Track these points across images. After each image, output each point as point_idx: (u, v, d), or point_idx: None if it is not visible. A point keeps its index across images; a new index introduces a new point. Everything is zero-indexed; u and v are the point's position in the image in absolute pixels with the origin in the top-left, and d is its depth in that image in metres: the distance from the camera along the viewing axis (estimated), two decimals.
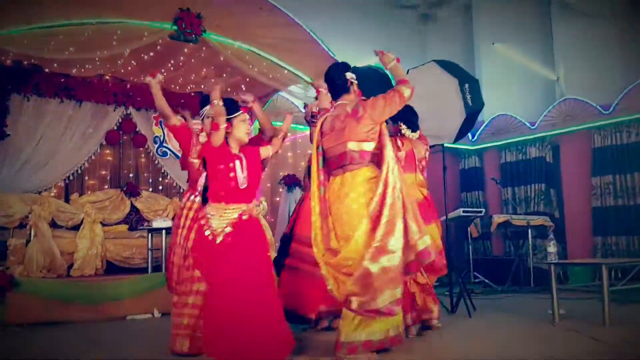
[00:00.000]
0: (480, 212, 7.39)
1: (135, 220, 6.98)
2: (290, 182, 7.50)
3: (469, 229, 7.43)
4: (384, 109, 3.23)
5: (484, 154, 9.24)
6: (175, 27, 5.49)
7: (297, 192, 7.23)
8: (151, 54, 5.94)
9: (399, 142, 4.06)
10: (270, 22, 6.07)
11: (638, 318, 4.43)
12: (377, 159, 3.27)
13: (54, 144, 6.47)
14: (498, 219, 7.05)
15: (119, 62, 6.03)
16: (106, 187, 7.06)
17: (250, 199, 3.20)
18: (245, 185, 3.13)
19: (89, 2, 5.11)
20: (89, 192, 6.85)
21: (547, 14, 9.40)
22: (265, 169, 3.60)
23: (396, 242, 3.06)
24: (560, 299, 4.33)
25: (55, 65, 6.01)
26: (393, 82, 3.58)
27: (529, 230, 7.12)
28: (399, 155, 3.98)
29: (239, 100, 3.45)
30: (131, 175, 7.29)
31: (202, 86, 7.00)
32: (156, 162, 7.42)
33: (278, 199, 7.59)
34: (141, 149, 7.34)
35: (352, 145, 3.24)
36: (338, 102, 3.43)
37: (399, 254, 3.06)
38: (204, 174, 3.48)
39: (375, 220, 3.06)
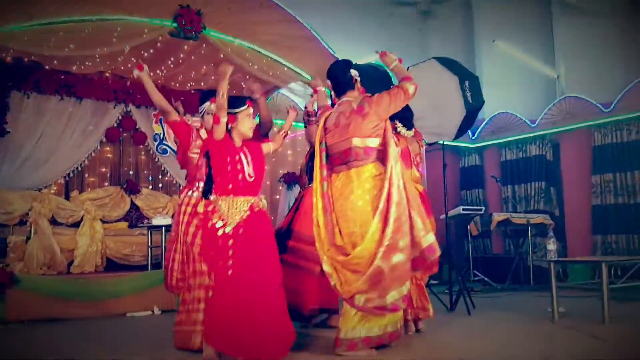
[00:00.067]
0: (480, 210, 7.39)
1: (135, 217, 6.99)
2: (290, 179, 7.50)
3: (468, 227, 7.43)
4: (389, 106, 3.25)
5: (484, 152, 9.24)
6: (175, 24, 5.48)
7: (297, 190, 7.23)
8: (151, 51, 5.94)
9: (395, 140, 4.07)
10: (270, 19, 6.06)
11: (637, 316, 4.44)
12: (381, 155, 3.28)
13: (54, 141, 6.47)
14: (498, 217, 7.04)
15: (119, 59, 6.03)
16: (106, 184, 7.06)
17: (257, 192, 3.20)
18: (252, 179, 3.12)
19: None
20: (89, 190, 6.85)
21: (547, 12, 9.38)
22: (265, 166, 3.60)
23: (404, 239, 3.10)
24: (560, 297, 4.33)
25: (56, 62, 6.01)
26: (394, 82, 3.59)
27: (529, 229, 7.12)
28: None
29: (248, 90, 3.44)
30: (131, 172, 7.29)
31: (202, 83, 7.00)
32: (156, 159, 7.42)
33: (278, 196, 7.60)
34: (141, 146, 7.35)
35: (357, 142, 3.25)
36: (342, 99, 3.43)
37: (406, 251, 3.10)
38: (203, 168, 3.47)
39: (385, 218, 3.08)
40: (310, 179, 4.16)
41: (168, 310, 5.13)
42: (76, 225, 6.03)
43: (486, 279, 7.13)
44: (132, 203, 7.04)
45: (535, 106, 8.71)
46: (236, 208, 3.06)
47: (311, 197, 3.88)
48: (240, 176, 3.08)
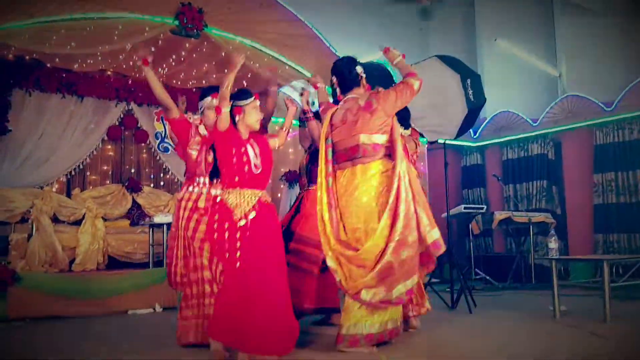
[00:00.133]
0: (482, 208, 7.39)
1: (136, 215, 6.99)
2: (292, 178, 7.50)
3: (470, 225, 7.43)
4: (395, 102, 3.27)
5: (486, 150, 9.23)
6: (176, 22, 5.49)
7: (298, 189, 7.24)
8: (152, 49, 5.92)
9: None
10: (271, 17, 6.07)
11: (639, 314, 4.44)
12: (388, 152, 3.29)
13: (55, 139, 6.47)
14: (499, 215, 7.04)
15: (121, 57, 6.03)
16: (108, 182, 7.06)
17: (264, 185, 3.19)
18: (259, 171, 3.11)
19: None
20: (91, 187, 6.85)
21: (549, 11, 9.38)
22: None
23: (413, 234, 3.14)
24: (561, 296, 4.33)
25: (57, 60, 6.01)
26: (395, 80, 3.59)
27: (531, 227, 7.11)
28: None
29: (264, 78, 3.46)
30: (133, 170, 7.30)
31: (204, 81, 7.00)
32: (157, 157, 7.42)
33: (279, 195, 7.60)
34: (143, 144, 7.34)
35: (364, 138, 3.26)
36: (348, 96, 3.44)
37: (414, 246, 3.14)
38: (203, 164, 3.47)
39: (394, 214, 3.10)
40: (310, 181, 4.18)
41: (169, 307, 5.13)
42: (78, 223, 6.03)
43: (487, 277, 7.13)
44: (134, 201, 7.04)
45: (537, 105, 8.71)
46: (244, 200, 3.05)
47: (311, 201, 3.91)
48: (246, 168, 3.06)
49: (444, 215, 5.65)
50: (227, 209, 3.02)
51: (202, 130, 3.55)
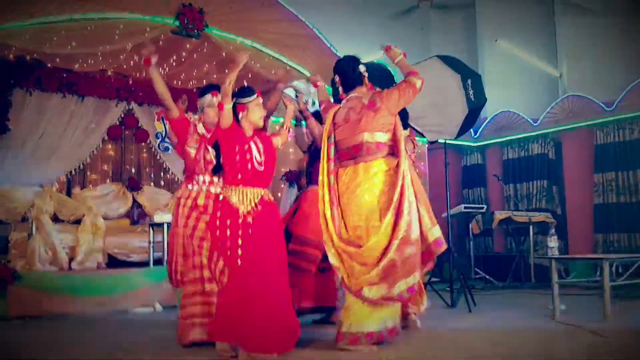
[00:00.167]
0: (482, 208, 7.39)
1: (137, 214, 7.00)
2: (292, 177, 7.49)
3: (470, 225, 7.44)
4: (398, 101, 3.29)
5: (486, 150, 9.23)
6: (177, 22, 5.49)
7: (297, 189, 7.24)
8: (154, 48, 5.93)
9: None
10: (272, 17, 6.07)
11: (638, 314, 4.44)
12: (390, 150, 3.31)
13: (56, 139, 6.48)
14: (500, 215, 7.04)
15: (121, 57, 6.03)
16: (108, 181, 7.07)
17: (267, 183, 3.20)
18: (262, 169, 3.11)
19: None
20: (91, 187, 6.87)
21: (550, 11, 9.39)
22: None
23: (415, 232, 3.17)
24: (561, 295, 4.33)
25: (58, 60, 6.01)
26: (396, 79, 3.61)
27: (531, 227, 7.11)
28: None
29: (277, 77, 3.49)
30: (133, 170, 7.31)
31: (204, 81, 7.00)
32: (158, 157, 7.43)
33: (279, 194, 7.60)
34: (143, 144, 7.36)
35: (368, 137, 3.28)
36: (350, 95, 3.45)
37: (417, 244, 3.18)
38: (201, 162, 3.47)
39: (398, 212, 3.12)
40: (309, 181, 4.19)
41: (170, 306, 5.14)
42: (78, 222, 6.03)
43: (487, 276, 7.13)
44: (134, 200, 7.05)
45: (538, 105, 8.71)
46: (246, 198, 3.06)
47: (309, 201, 3.93)
48: (249, 166, 3.06)
49: (445, 214, 5.65)
50: (229, 207, 3.02)
51: (201, 129, 3.54)
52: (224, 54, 6.04)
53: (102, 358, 3.20)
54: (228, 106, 3.03)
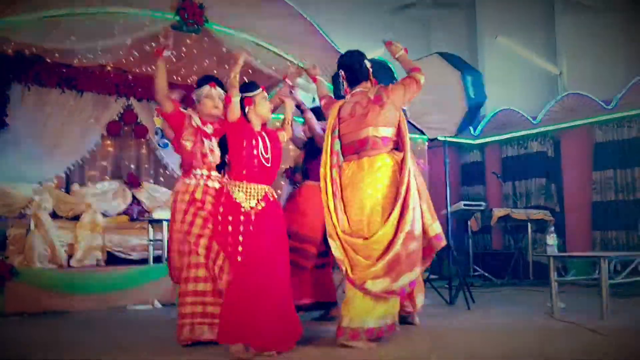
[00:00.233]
0: (481, 205, 7.40)
1: (136, 211, 6.98)
2: (292, 174, 7.48)
3: (469, 222, 7.45)
4: (404, 96, 3.32)
5: (486, 148, 9.23)
6: (177, 17, 5.47)
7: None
8: (153, 44, 5.89)
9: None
10: (273, 13, 6.05)
11: (636, 311, 4.45)
12: (394, 145, 3.33)
13: (54, 135, 6.45)
14: (498, 212, 7.05)
15: (121, 52, 6.01)
16: (107, 178, 7.06)
17: (271, 180, 3.19)
18: (268, 165, 3.10)
19: None
20: (90, 183, 6.85)
21: (550, 9, 9.37)
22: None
23: (419, 227, 3.22)
24: (559, 292, 4.33)
25: (57, 55, 5.99)
26: (396, 75, 3.61)
27: (529, 224, 7.13)
28: None
29: (288, 73, 3.73)
30: (132, 166, 7.29)
31: None
32: (157, 153, 7.41)
33: (279, 191, 7.58)
34: (142, 140, 7.34)
35: (373, 131, 3.29)
36: (356, 89, 3.45)
37: (420, 239, 3.23)
38: (198, 154, 3.43)
39: (404, 206, 3.15)
40: (305, 177, 4.19)
41: (168, 303, 5.13)
42: (77, 218, 6.02)
43: (486, 274, 7.15)
44: (133, 197, 7.04)
45: (537, 103, 8.71)
46: (250, 194, 3.05)
47: (305, 197, 3.94)
48: (255, 161, 3.06)
49: (444, 212, 5.65)
50: (232, 202, 3.01)
51: (197, 121, 3.51)
52: (224, 50, 6.02)
53: (100, 356, 3.19)
54: (236, 98, 3.03)
